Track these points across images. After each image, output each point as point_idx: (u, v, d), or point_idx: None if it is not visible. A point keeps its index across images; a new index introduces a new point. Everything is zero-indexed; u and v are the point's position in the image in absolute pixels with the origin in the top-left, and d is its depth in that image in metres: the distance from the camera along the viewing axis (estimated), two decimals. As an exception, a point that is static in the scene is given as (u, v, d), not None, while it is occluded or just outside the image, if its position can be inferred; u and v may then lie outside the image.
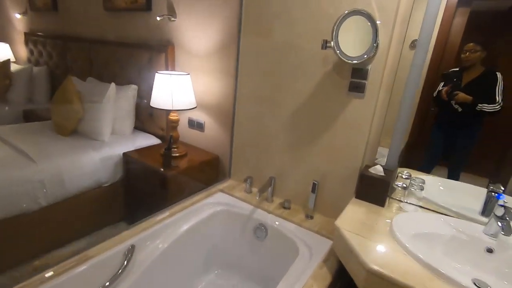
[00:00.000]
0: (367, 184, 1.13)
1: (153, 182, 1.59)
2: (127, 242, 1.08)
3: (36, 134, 1.88)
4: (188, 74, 1.62)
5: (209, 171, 1.74)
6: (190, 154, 1.78)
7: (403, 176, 1.22)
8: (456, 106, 1.11)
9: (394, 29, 1.07)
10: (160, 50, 1.85)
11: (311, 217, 1.33)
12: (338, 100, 1.22)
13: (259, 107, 1.46)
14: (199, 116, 1.83)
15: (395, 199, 1.16)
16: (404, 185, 1.13)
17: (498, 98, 1.04)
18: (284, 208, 1.40)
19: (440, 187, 1.19)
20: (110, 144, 1.82)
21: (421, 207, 1.12)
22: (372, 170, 1.16)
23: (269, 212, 1.38)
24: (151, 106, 1.57)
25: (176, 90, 1.53)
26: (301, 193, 1.42)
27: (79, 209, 1.66)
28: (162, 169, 1.53)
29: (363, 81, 1.14)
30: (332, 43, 1.07)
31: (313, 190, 1.30)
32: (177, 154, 1.70)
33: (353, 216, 1.03)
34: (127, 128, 2.01)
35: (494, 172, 1.11)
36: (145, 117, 2.08)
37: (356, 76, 1.15)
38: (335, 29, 1.06)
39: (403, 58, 1.09)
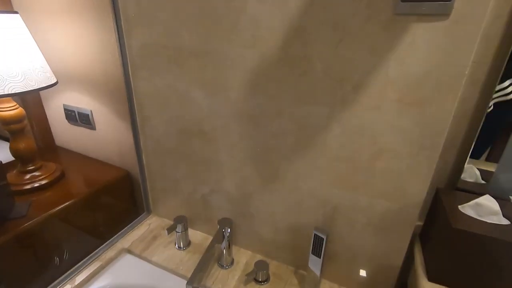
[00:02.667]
0: (468, 254, 0.43)
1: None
2: None
3: None
4: (16, 12, 0.74)
5: (114, 204, 0.94)
6: (73, 173, 0.95)
7: None
8: None
9: None
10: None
11: (316, 300, 0.63)
12: (368, 32, 0.46)
13: (179, 77, 0.65)
14: (80, 101, 0.97)
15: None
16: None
17: None
18: (257, 281, 0.68)
19: None
20: None
21: None
22: (470, 209, 0.46)
23: (227, 298, 0.65)
24: None
25: (-19, 50, 0.66)
26: (288, 246, 0.70)
27: None
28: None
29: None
30: None
31: (316, 251, 0.58)
32: (40, 182, 0.86)
33: None
34: (-47, 135, 1.09)
35: None
36: None
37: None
38: None
39: None
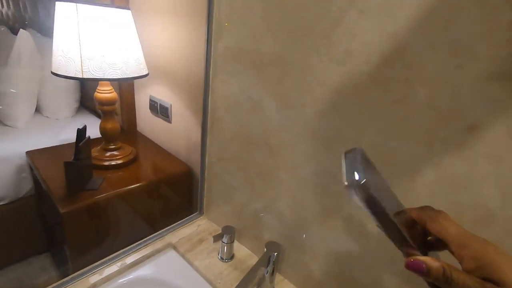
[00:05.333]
0: None
1: (53, 216, 0.86)
2: None
3: None
4: (128, 9, 0.82)
5: (172, 197, 0.98)
6: (144, 159, 1.02)
7: None
8: None
9: None
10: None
11: None
12: (503, 58, 0.35)
13: (255, 84, 0.63)
14: (163, 94, 1.04)
15: None
16: None
17: None
18: (296, 324, 0.59)
19: None
20: (22, 134, 1.12)
21: None
22: None
23: (259, 331, 0.59)
24: (52, 73, 0.80)
25: (92, 41, 0.75)
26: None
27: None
28: (58, 198, 0.78)
29: None
30: None
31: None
32: (116, 161, 0.94)
33: None
34: (65, 107, 1.29)
35: None
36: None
37: None
38: None
39: None
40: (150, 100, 1.10)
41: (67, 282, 0.64)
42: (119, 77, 0.79)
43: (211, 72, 0.73)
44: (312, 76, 0.53)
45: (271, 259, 0.61)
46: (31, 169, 1.02)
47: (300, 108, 0.56)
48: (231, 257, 0.74)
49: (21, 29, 1.12)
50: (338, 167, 0.53)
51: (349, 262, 0.56)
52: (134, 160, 1.00)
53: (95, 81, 0.78)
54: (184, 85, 0.94)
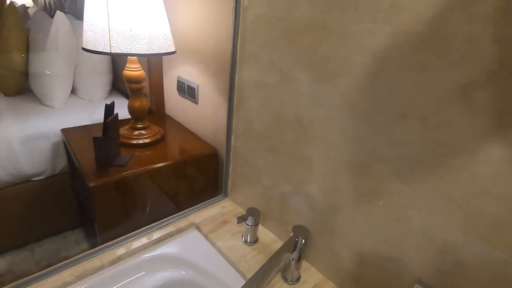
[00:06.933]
0: None
1: (83, 190, 0.88)
2: None
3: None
4: (156, -17, 0.80)
5: (197, 178, 0.96)
6: (171, 139, 1.02)
7: None
8: None
9: None
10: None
11: None
12: None
13: (286, 55, 0.58)
14: (191, 74, 1.02)
15: None
16: None
17: None
18: (323, 314, 0.55)
19: None
20: (58, 113, 1.16)
21: None
22: None
23: (283, 319, 0.55)
24: (82, 48, 0.81)
25: (120, 13, 0.74)
26: (371, 286, 0.54)
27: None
28: (87, 173, 0.79)
29: None
30: None
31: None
32: (144, 140, 0.94)
33: None
34: (98, 89, 1.33)
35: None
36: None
37: None
38: None
39: None
40: (178, 80, 1.09)
41: (96, 252, 0.64)
42: (147, 52, 0.77)
43: (238, 44, 0.68)
44: (351, 41, 0.47)
45: (298, 244, 0.57)
46: (65, 146, 1.06)
47: (336, 79, 0.51)
48: (255, 240, 0.71)
49: (57, 11, 1.15)
50: (379, 143, 0.47)
51: (388, 252, 0.50)
52: (161, 140, 0.99)
53: (123, 56, 0.77)
54: (211, 64, 0.91)
